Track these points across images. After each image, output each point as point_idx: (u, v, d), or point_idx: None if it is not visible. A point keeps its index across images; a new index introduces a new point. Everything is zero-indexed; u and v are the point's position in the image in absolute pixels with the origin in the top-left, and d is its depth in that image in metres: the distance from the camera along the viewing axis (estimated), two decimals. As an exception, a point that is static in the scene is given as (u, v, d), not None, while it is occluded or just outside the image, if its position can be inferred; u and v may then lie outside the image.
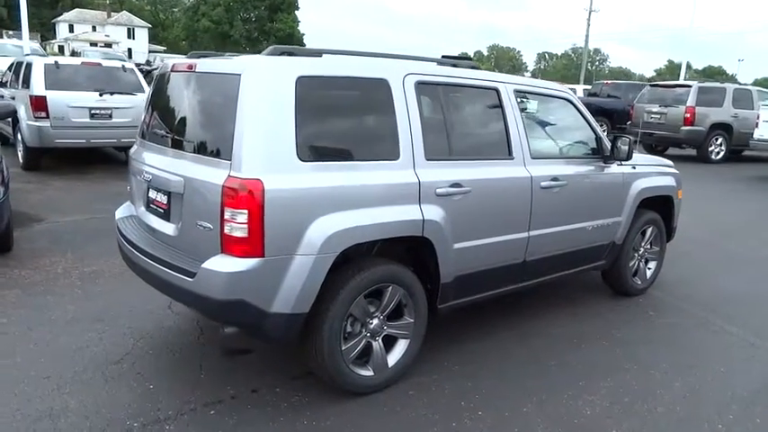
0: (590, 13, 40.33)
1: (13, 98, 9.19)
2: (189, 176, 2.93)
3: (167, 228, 3.15)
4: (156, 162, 3.27)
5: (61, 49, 48.62)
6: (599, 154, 4.32)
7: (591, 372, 3.64)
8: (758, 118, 12.14)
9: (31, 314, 4.08)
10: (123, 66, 9.46)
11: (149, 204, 3.37)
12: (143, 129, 3.72)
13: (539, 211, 3.82)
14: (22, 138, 8.74)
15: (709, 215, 8.40)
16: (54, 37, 55.39)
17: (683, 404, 3.33)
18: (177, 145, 3.14)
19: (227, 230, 2.74)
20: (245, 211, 2.69)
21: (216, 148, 2.87)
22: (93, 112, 8.78)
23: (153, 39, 63.91)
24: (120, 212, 3.80)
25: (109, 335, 3.83)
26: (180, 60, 3.35)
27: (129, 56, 39.37)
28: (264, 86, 2.78)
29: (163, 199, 3.20)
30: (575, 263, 4.33)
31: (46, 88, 8.50)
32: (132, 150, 3.77)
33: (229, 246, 2.75)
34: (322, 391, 3.26)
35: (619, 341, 4.10)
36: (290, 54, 2.97)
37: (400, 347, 3.35)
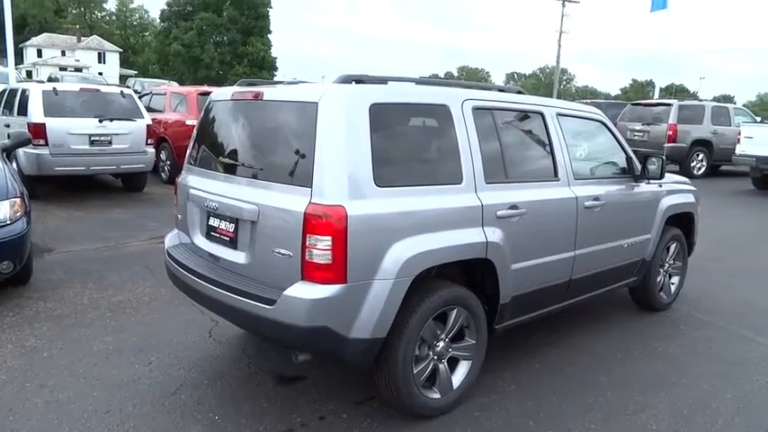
0: (560, 35, 41.44)
1: (8, 126, 9.02)
2: (264, 204, 2.94)
3: (235, 256, 3.14)
4: (218, 189, 3.27)
5: (29, 74, 47.80)
6: (630, 173, 4.46)
7: (644, 386, 3.72)
8: (739, 134, 12.61)
9: (71, 347, 4.00)
10: (122, 91, 9.40)
11: (210, 233, 3.36)
12: (194, 156, 3.71)
13: (583, 231, 3.92)
14: (18, 166, 8.55)
15: (708, 229, 8.62)
16: (22, 62, 54.44)
17: (741, 415, 3.43)
18: (245, 173, 3.15)
19: (308, 257, 2.76)
20: (329, 238, 2.71)
21: (293, 176, 2.89)
22: (92, 138, 8.67)
23: (123, 63, 63.36)
24: (170, 241, 3.77)
25: (157, 366, 3.77)
26: (242, 89, 3.37)
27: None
28: (342, 114, 2.83)
29: (229, 227, 3.20)
30: (612, 280, 4.44)
31: (45, 115, 8.37)
32: (182, 178, 3.75)
33: (311, 272, 2.77)
34: (388, 415, 3.26)
35: (661, 355, 4.20)
36: (360, 82, 3.03)
37: (463, 369, 3.38)
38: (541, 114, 3.80)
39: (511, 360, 3.97)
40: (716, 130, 14.48)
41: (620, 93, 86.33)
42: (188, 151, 3.81)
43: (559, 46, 41.45)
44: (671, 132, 14.06)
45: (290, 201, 2.84)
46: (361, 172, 2.81)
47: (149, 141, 9.27)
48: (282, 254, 2.85)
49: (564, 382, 3.75)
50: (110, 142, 8.81)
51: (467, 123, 3.28)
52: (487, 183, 3.32)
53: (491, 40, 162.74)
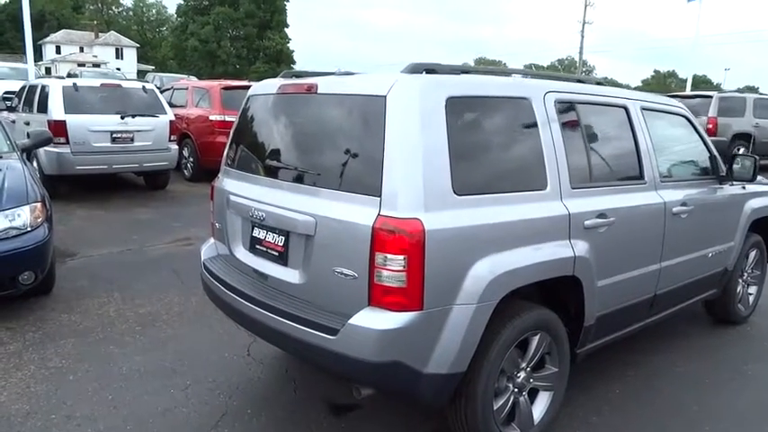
0: (583, 25, 40.51)
1: (28, 123, 8.73)
2: (322, 215, 2.53)
3: (286, 274, 2.74)
4: (264, 197, 2.86)
5: (48, 70, 47.93)
6: (714, 174, 3.99)
7: (741, 418, 3.27)
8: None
9: (99, 368, 3.63)
10: (144, 86, 9.04)
11: (254, 245, 2.96)
12: (232, 157, 3.31)
13: (670, 240, 3.47)
14: (39, 165, 8.24)
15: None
16: (41, 59, 54.67)
17: None
18: (298, 178, 2.74)
19: (377, 279, 2.35)
20: (402, 257, 2.30)
21: (358, 183, 2.48)
22: (114, 136, 8.35)
23: (141, 58, 63.26)
24: (206, 253, 3.38)
25: (194, 391, 3.39)
26: (291, 81, 2.96)
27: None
28: (415, 109, 2.40)
29: (278, 240, 2.80)
30: (694, 293, 3.98)
31: (66, 112, 8.05)
32: (219, 182, 3.35)
33: (380, 297, 2.35)
34: (460, 454, 2.85)
35: (752, 379, 3.74)
36: (432, 71, 2.60)
37: (543, 401, 2.96)
38: (625, 108, 3.35)
39: (586, 386, 3.53)
40: (758, 123, 13.80)
41: (641, 84, 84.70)
42: (225, 151, 3.42)
43: (582, 36, 40.58)
44: (711, 126, 13.41)
45: (354, 212, 2.42)
46: (438, 178, 2.39)
47: (172, 138, 8.93)
48: (345, 274, 2.44)
49: (652, 412, 3.31)
50: (132, 139, 8.47)
51: (550, 119, 2.84)
52: (573, 188, 2.88)
53: (504, 31, 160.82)
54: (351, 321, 2.36)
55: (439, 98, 2.46)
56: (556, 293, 2.97)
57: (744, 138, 13.76)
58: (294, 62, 59.29)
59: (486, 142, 2.67)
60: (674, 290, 3.66)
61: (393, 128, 2.38)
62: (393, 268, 2.31)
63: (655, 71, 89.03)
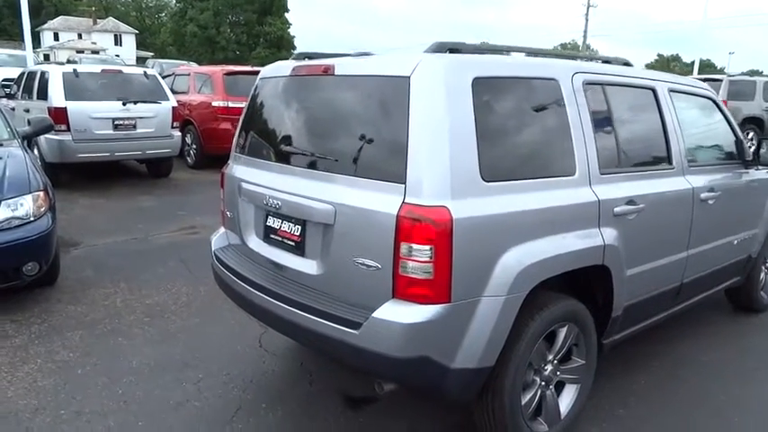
0: (588, 8, 40.11)
1: (27, 110, 8.58)
2: (342, 203, 2.41)
3: (303, 265, 2.62)
4: (279, 184, 2.74)
5: (47, 57, 47.53)
6: (740, 158, 3.86)
7: (772, 410, 3.18)
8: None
9: (108, 361, 3.53)
10: (145, 72, 8.88)
11: (269, 235, 2.85)
12: (242, 144, 3.19)
13: (697, 227, 3.36)
14: (39, 153, 8.11)
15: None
16: (39, 45, 54.20)
17: None
18: (315, 165, 2.61)
19: (402, 271, 2.23)
20: (429, 248, 2.18)
21: (380, 169, 2.35)
22: (116, 122, 8.19)
23: (140, 45, 62.68)
24: (217, 242, 3.26)
25: (207, 385, 3.29)
26: (305, 63, 2.82)
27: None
28: (441, 91, 2.27)
29: (294, 229, 2.68)
30: (718, 281, 3.87)
31: (66, 99, 7.89)
32: (229, 169, 3.23)
33: (406, 289, 2.24)
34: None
35: (781, 370, 3.64)
36: (456, 50, 2.46)
37: (570, 394, 2.86)
38: (653, 90, 3.21)
39: (609, 377, 3.42)
40: (768, 107, 13.65)
41: (644, 68, 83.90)
42: (235, 137, 3.28)
43: (587, 20, 40.19)
44: (720, 109, 13.24)
45: (377, 200, 2.30)
46: (465, 164, 2.27)
47: (175, 125, 8.78)
48: (367, 265, 2.32)
49: (678, 402, 3.22)
50: (134, 126, 8.32)
51: (578, 101, 2.71)
52: (602, 173, 2.76)
53: (508, 15, 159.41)
54: (374, 315, 2.25)
55: (465, 79, 2.33)
56: (583, 283, 2.85)
57: (754, 122, 13.60)
58: (295, 47, 58.74)
59: (513, 126, 2.54)
60: (700, 278, 3.54)
61: (417, 110, 2.25)
62: (419, 259, 2.19)
63: (658, 55, 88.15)
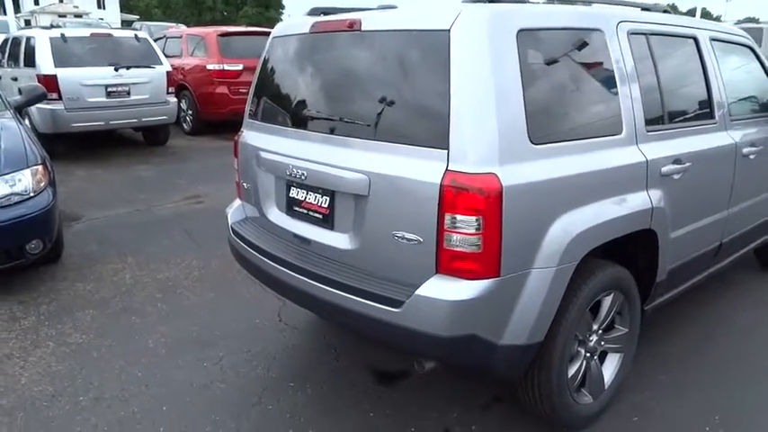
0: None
1: (15, 79, 8.24)
2: (377, 173, 2.22)
3: (334, 239, 2.45)
4: (303, 152, 2.54)
5: (27, 22, 46.16)
6: (776, 109, 3.67)
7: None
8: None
9: (123, 342, 3.39)
10: (136, 35, 8.51)
11: (293, 207, 2.66)
12: (255, 110, 2.97)
13: (738, 184, 3.20)
14: (31, 124, 7.80)
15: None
16: (18, 10, 52.55)
17: None
18: (344, 130, 2.41)
19: (447, 244, 2.06)
20: (477, 218, 2.00)
21: (419, 134, 2.15)
22: (109, 89, 7.89)
23: (124, 8, 60.79)
24: (234, 216, 3.08)
25: (229, 363, 3.16)
26: (325, 19, 2.59)
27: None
28: (485, 45, 2.06)
29: (321, 201, 2.49)
30: (754, 239, 3.73)
31: (55, 65, 7.56)
32: (243, 137, 3.02)
33: (451, 264, 2.07)
34: (528, 422, 2.64)
35: (819, 329, 3.54)
36: (496, 0, 2.23)
37: (613, 364, 2.74)
38: (695, 39, 3.00)
39: (647, 341, 3.30)
40: (774, 55, 13.33)
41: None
42: (248, 102, 3.07)
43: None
44: (726, 58, 12.94)
45: (416, 168, 2.11)
46: (513, 125, 2.08)
47: (170, 90, 8.46)
48: (408, 239, 2.15)
49: (721, 366, 3.12)
50: (128, 93, 8.02)
51: (623, 53, 2.50)
52: (648, 131, 2.57)
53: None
54: (418, 292, 2.09)
55: (510, 31, 2.11)
56: (625, 248, 2.69)
57: (759, 70, 13.31)
58: (283, 6, 57.33)
59: (559, 81, 2.34)
60: (737, 236, 3.40)
61: (459, 67, 2.04)
62: (466, 231, 2.02)
63: (654, 4, 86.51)
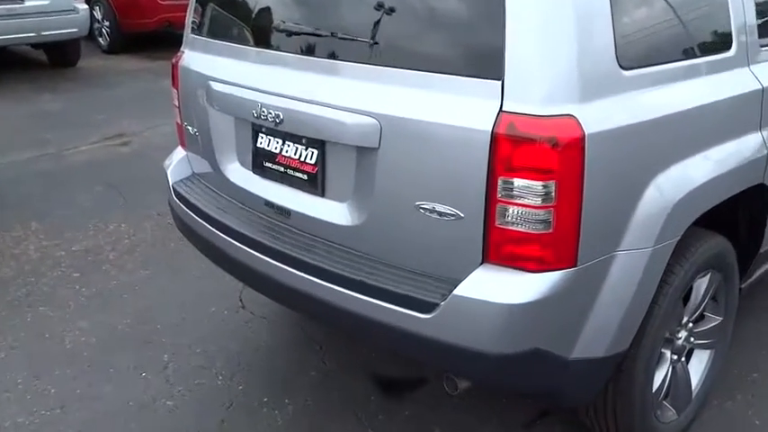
0: None
1: None
2: (393, 115, 1.79)
3: (325, 210, 2.04)
4: (279, 84, 2.09)
5: None
6: None
7: None
8: None
9: (28, 344, 3.00)
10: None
11: (263, 163, 2.23)
12: (199, 20, 2.51)
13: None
14: None
15: None
16: None
17: None
18: (341, 52, 1.95)
19: (501, 221, 1.66)
20: (547, 184, 1.61)
21: (458, 57, 1.75)
22: (-4, -4, 7.25)
23: None
24: (176, 172, 2.65)
25: (178, 371, 2.81)
26: None
27: None
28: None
29: (305, 155, 2.06)
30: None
31: None
32: (186, 59, 2.55)
33: (507, 250, 1.69)
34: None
35: None
36: None
37: (701, 364, 2.47)
38: None
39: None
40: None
41: None
42: (189, 10, 2.58)
43: None
44: None
45: (453, 108, 1.70)
46: (597, 44, 1.67)
47: (80, -6, 7.94)
48: (440, 213, 1.74)
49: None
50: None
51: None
52: (762, 47, 2.22)
53: None
54: (457, 291, 1.71)
55: None
56: (722, 211, 2.36)
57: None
58: None
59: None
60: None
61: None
62: (529, 202, 1.62)
63: None
